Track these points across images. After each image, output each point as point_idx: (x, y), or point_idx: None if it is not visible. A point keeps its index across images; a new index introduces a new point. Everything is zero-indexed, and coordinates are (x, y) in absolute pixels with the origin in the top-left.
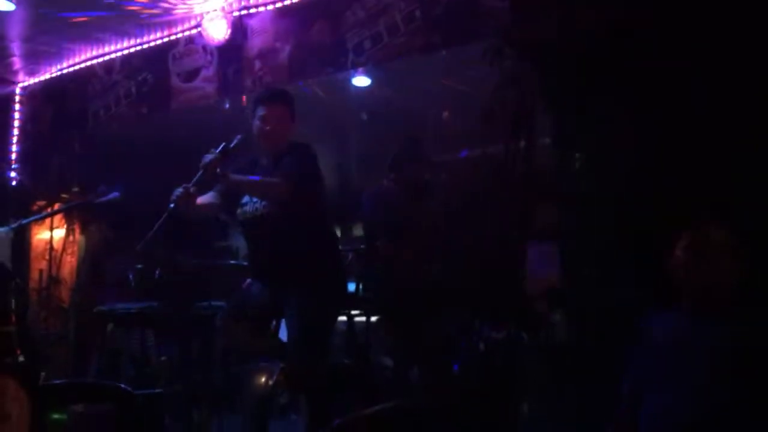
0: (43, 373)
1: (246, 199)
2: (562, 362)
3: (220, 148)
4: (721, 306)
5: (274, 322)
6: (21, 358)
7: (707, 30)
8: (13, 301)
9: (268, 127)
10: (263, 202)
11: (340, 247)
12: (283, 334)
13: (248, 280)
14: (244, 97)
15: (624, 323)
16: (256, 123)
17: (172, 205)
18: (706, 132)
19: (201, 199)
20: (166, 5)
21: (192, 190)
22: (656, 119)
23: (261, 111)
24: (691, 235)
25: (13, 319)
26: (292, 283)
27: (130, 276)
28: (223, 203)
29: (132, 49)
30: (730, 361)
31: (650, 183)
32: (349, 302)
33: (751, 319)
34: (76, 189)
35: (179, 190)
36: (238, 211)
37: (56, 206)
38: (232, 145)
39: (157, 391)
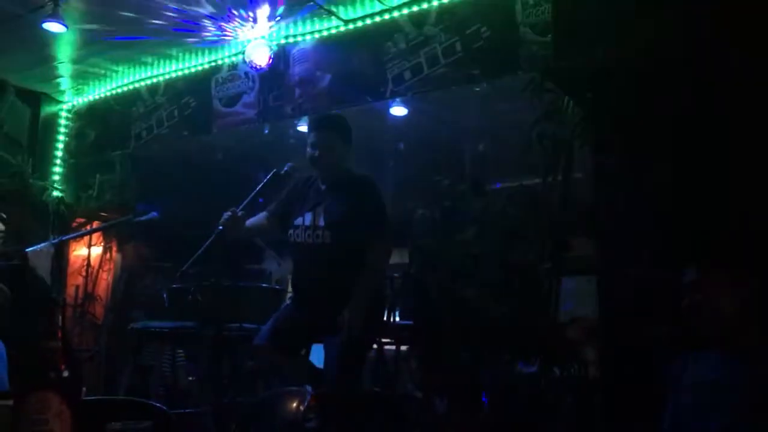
0: (84, 389)
1: (300, 221)
2: (594, 398)
3: (270, 175)
4: (745, 343)
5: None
6: (65, 374)
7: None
8: (60, 318)
9: (317, 154)
10: (325, 230)
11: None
12: (313, 358)
13: (286, 303)
14: None
15: (658, 360)
16: (308, 149)
17: (220, 228)
18: (751, 169)
19: (250, 221)
20: (211, 32)
21: (240, 213)
22: (698, 157)
23: (311, 137)
24: (693, 276)
25: (60, 335)
26: (340, 308)
27: (164, 295)
28: (278, 225)
29: (176, 74)
30: (759, 399)
31: (689, 219)
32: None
33: None
34: (115, 208)
35: (227, 214)
36: (291, 232)
37: (95, 224)
38: (282, 172)
39: (189, 410)
